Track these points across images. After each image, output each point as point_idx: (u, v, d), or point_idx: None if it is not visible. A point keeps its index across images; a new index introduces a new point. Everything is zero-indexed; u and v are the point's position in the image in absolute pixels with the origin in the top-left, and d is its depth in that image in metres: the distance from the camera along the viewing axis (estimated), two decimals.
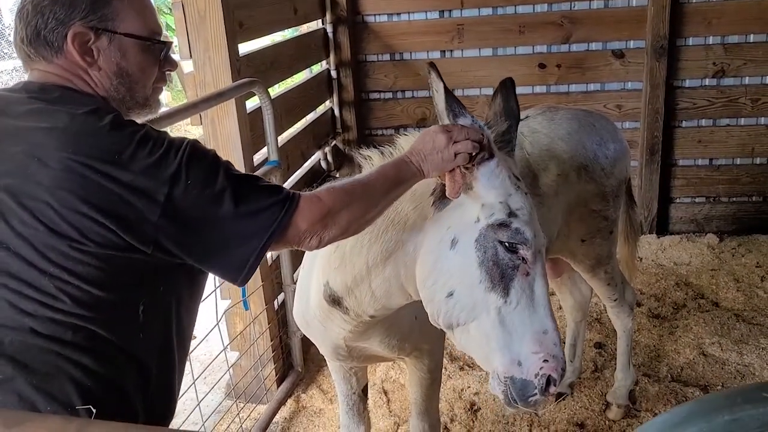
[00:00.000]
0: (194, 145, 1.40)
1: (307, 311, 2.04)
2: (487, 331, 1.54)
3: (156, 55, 1.56)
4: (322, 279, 1.91)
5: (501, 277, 1.54)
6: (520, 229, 1.54)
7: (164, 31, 1.65)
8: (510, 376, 1.52)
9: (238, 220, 1.37)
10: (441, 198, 1.65)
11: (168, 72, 1.63)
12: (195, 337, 3.91)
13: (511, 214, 1.55)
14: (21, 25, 1.46)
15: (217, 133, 3.02)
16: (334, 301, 1.89)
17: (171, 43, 1.61)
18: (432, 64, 1.65)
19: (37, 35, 1.45)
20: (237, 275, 1.43)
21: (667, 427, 0.83)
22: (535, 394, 1.49)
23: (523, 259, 1.54)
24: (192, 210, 1.35)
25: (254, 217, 1.38)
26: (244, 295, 3.08)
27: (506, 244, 1.53)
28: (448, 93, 1.63)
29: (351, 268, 1.83)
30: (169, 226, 1.34)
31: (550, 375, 1.48)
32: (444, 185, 1.62)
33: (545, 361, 1.48)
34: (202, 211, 1.36)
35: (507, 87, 1.77)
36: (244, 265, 1.41)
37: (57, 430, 0.77)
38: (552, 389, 1.50)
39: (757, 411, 0.81)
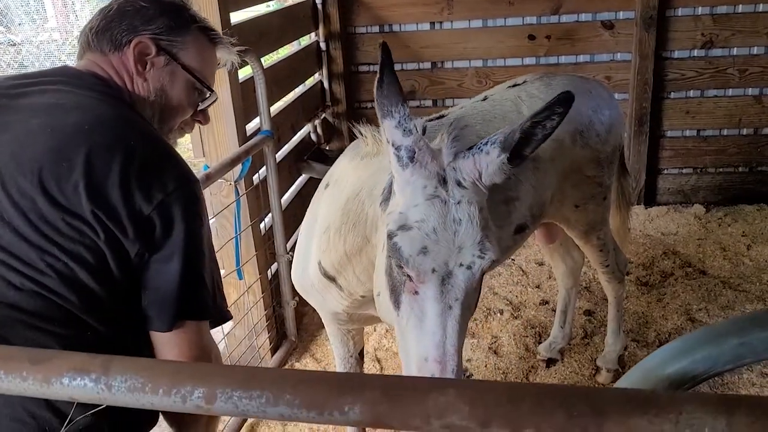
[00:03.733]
0: (198, 190, 1.44)
1: (305, 279, 2.07)
2: (397, 337, 1.55)
3: (196, 100, 1.63)
4: (315, 257, 1.95)
5: (393, 289, 1.51)
6: (397, 244, 1.42)
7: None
8: None
9: (187, 281, 1.36)
10: (387, 199, 1.61)
11: (197, 122, 1.69)
12: None
13: (403, 227, 1.43)
14: (98, 17, 1.54)
15: None
16: (329, 278, 1.93)
17: (216, 96, 1.67)
18: (384, 44, 1.48)
19: (106, 29, 1.52)
20: (163, 319, 1.39)
21: (677, 353, 0.85)
22: None
23: (409, 276, 1.44)
24: (168, 236, 1.34)
25: (199, 297, 1.39)
26: (237, 264, 3.09)
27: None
28: (384, 82, 1.46)
29: (335, 253, 1.87)
30: (145, 233, 1.33)
31: None
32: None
33: None
34: (173, 248, 1.35)
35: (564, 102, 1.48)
36: (166, 313, 1.38)
37: (82, 363, 0.78)
38: None
39: (765, 334, 0.82)
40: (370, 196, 1.74)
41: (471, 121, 2.30)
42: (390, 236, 1.44)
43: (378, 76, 1.45)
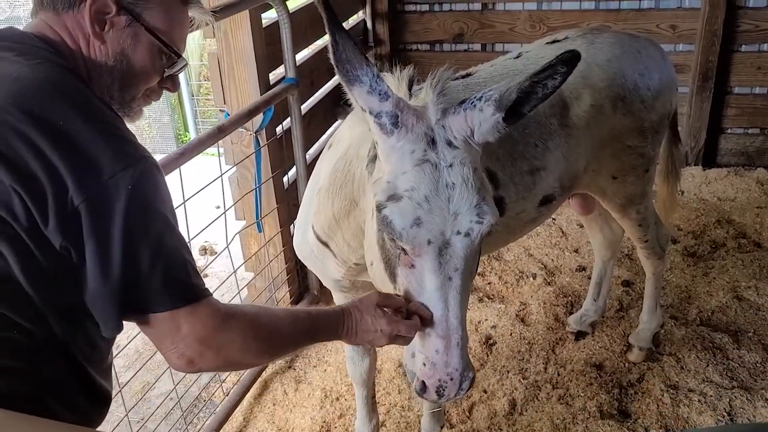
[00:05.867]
0: (151, 171, 1.23)
1: (305, 244, 1.98)
2: None
3: (163, 65, 1.44)
4: (311, 221, 1.86)
5: (387, 262, 1.42)
6: (388, 218, 1.31)
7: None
8: (405, 363, 1.48)
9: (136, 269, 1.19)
10: (373, 161, 1.47)
11: (165, 89, 1.51)
12: (215, 254, 3.91)
13: (392, 197, 1.31)
14: None
15: (231, 47, 2.86)
16: (323, 243, 1.83)
17: (185, 62, 1.48)
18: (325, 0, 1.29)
19: None
20: (108, 322, 1.23)
21: None
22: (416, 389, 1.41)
23: (403, 249, 1.34)
24: (102, 231, 1.16)
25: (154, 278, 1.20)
26: (257, 217, 3.01)
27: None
28: (339, 44, 1.28)
29: (324, 217, 1.77)
30: (71, 226, 1.15)
31: (423, 381, 1.37)
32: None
33: (424, 364, 1.37)
34: (115, 237, 1.17)
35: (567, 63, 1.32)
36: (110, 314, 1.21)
37: None
38: (431, 396, 1.37)
39: None
40: (357, 156, 1.61)
41: (497, 82, 2.09)
42: (379, 208, 1.34)
43: (330, 38, 1.28)
